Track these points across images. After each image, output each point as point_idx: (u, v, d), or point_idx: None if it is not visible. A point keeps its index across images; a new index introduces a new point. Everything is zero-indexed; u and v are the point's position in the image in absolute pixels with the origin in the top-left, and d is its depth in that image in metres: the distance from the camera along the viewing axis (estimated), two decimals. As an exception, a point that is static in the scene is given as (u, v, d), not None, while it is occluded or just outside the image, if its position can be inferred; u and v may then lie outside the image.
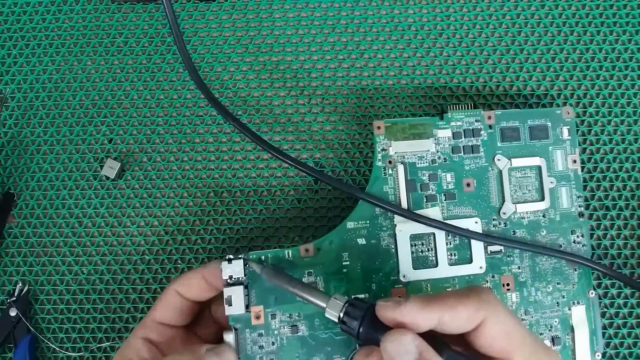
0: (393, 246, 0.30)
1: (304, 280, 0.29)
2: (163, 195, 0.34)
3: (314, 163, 0.34)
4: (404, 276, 0.30)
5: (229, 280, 0.28)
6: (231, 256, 0.28)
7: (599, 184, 0.34)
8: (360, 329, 0.24)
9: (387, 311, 0.23)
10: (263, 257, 0.29)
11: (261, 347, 0.28)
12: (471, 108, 0.32)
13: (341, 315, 0.24)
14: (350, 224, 0.30)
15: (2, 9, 0.35)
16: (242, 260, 0.28)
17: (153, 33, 0.35)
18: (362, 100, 0.34)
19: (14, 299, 0.33)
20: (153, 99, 0.34)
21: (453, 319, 0.23)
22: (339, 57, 0.35)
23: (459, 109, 0.32)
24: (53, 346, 0.33)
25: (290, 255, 0.29)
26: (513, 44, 0.35)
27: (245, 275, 0.28)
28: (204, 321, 0.30)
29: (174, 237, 0.33)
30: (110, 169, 0.33)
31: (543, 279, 0.31)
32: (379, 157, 0.31)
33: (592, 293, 0.31)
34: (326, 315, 0.25)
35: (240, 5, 0.35)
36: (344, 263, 0.29)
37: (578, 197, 0.32)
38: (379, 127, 0.31)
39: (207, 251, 0.33)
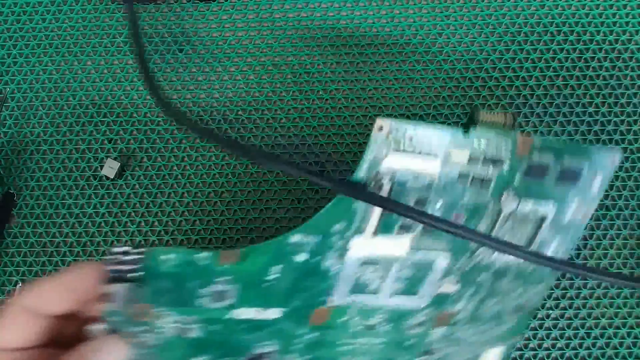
0: (337, 267, 0.23)
1: (216, 287, 0.22)
2: (163, 195, 0.34)
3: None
4: (333, 300, 0.24)
5: (113, 274, 0.21)
6: (116, 249, 0.21)
7: (598, 184, 0.34)
8: None
9: None
10: (167, 256, 0.22)
11: (144, 343, 0.22)
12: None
13: None
14: (294, 238, 0.22)
15: (2, 9, 0.35)
16: (130, 253, 0.21)
17: (153, 33, 0.35)
18: (362, 100, 0.34)
19: (14, 299, 0.32)
20: (153, 99, 0.34)
21: None
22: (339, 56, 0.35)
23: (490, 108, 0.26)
24: (53, 346, 0.33)
25: (206, 259, 0.22)
26: (513, 44, 0.35)
27: (133, 269, 0.21)
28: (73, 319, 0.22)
29: (174, 237, 0.33)
30: (110, 169, 0.33)
31: (480, 321, 0.26)
32: (365, 166, 0.22)
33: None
34: None
35: (240, 5, 0.35)
36: (272, 276, 0.23)
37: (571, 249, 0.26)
38: (380, 128, 0.22)
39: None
